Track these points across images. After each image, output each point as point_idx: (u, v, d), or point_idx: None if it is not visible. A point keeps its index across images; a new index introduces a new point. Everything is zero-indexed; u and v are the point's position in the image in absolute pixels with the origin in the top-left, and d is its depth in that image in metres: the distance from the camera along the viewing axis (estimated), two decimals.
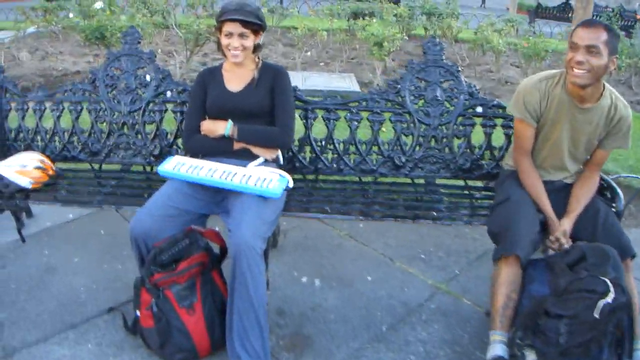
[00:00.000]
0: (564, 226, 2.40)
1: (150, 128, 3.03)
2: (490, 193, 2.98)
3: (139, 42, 3.04)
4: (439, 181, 3.08)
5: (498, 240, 2.40)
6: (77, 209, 3.39)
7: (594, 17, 4.75)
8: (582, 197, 2.50)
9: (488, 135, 3.05)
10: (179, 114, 2.97)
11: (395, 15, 9.22)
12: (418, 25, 9.50)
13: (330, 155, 3.03)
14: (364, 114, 3.00)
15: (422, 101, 3.00)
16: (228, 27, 2.45)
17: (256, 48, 2.58)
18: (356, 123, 2.97)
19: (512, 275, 2.28)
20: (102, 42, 6.90)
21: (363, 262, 3.13)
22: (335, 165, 3.01)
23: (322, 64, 8.12)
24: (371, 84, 7.16)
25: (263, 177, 2.36)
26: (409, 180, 3.06)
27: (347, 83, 6.84)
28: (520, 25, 10.32)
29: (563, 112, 2.44)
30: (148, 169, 3.09)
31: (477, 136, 3.06)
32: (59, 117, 3.14)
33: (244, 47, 2.48)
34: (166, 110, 2.99)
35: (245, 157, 2.52)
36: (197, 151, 2.57)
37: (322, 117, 3.01)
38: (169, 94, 2.97)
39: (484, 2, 21.17)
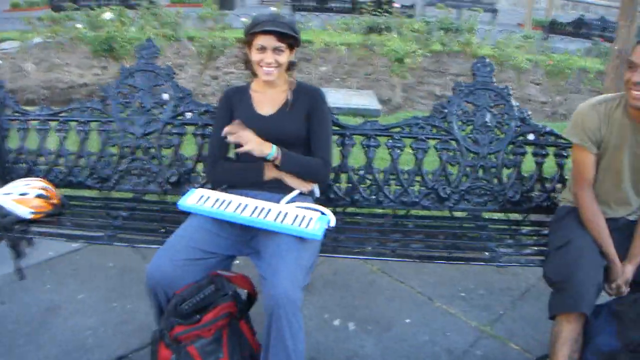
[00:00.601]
0: (627, 274, 2.15)
1: (167, 152, 2.73)
2: (539, 228, 2.70)
3: (156, 57, 2.75)
4: (486, 215, 2.78)
5: (557, 290, 2.13)
6: None
7: None
8: None
9: (539, 165, 2.77)
10: (199, 138, 2.67)
11: (413, 30, 8.96)
12: (435, 40, 9.23)
13: (368, 186, 2.72)
14: (407, 141, 2.70)
15: (471, 127, 2.70)
16: (261, 41, 2.15)
17: (290, 66, 2.29)
18: (398, 151, 2.67)
19: (575, 333, 2.05)
20: (111, 54, 6.63)
21: (400, 302, 2.83)
22: (374, 197, 2.71)
23: (337, 79, 7.85)
24: (390, 101, 6.88)
25: (302, 215, 2.05)
26: (451, 214, 2.76)
27: (366, 100, 6.56)
28: (537, 41, 10.06)
29: (625, 137, 2.19)
30: (164, 198, 2.78)
31: (526, 165, 2.79)
32: (64, 138, 2.84)
33: (278, 64, 2.18)
34: (185, 133, 2.69)
35: (278, 189, 2.23)
36: (223, 181, 2.27)
37: (361, 143, 2.70)
38: (189, 115, 2.67)
39: (495, 17, 20.94)
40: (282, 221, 2.01)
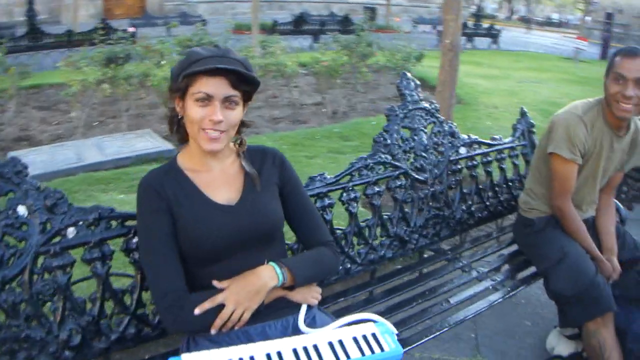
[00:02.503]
0: (617, 267, 2.22)
1: (50, 303, 1.68)
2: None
3: None
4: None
5: (578, 300, 2.09)
6: None
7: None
8: (611, 227, 2.34)
9: (474, 178, 2.60)
10: (99, 264, 1.69)
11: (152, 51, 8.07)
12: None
13: None
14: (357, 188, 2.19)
15: (413, 155, 2.34)
16: (204, 86, 1.40)
17: (242, 125, 1.58)
18: (355, 204, 2.14)
19: (614, 333, 2.08)
20: None
21: None
22: (341, 268, 2.13)
23: (96, 124, 6.63)
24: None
25: (357, 336, 1.42)
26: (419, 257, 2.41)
27: (151, 141, 5.64)
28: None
29: (603, 144, 2.20)
30: None
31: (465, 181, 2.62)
32: None
33: (228, 124, 1.45)
34: (72, 263, 1.68)
35: (280, 312, 1.52)
36: (199, 326, 1.43)
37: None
38: (72, 231, 1.67)
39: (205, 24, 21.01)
40: (347, 356, 1.35)
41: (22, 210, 1.64)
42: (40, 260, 1.62)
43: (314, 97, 8.31)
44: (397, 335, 1.49)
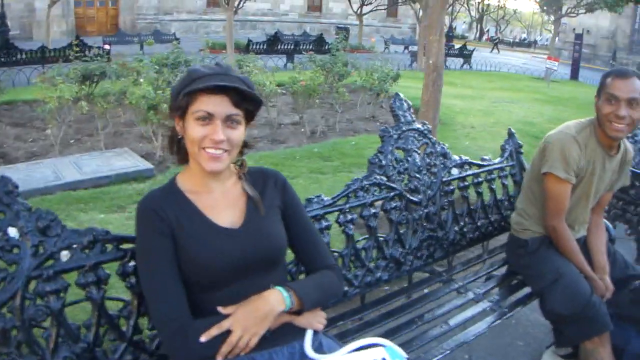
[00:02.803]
0: (610, 286, 2.25)
1: (41, 329, 1.61)
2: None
3: None
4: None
5: (574, 320, 2.11)
6: None
7: None
8: (602, 247, 2.37)
9: (466, 199, 2.62)
10: (100, 290, 1.63)
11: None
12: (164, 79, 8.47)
13: None
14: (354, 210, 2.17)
15: (407, 176, 2.34)
16: (205, 104, 1.37)
17: (244, 146, 1.55)
18: (352, 226, 2.12)
19: (611, 352, 2.11)
20: None
21: None
22: None
23: (72, 141, 6.50)
24: (153, 155, 5.99)
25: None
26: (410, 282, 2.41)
27: (129, 160, 5.54)
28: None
29: (596, 163, 2.23)
30: None
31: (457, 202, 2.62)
32: None
33: (231, 144, 1.42)
34: (66, 288, 1.60)
35: (285, 337, 1.47)
36: (205, 354, 1.36)
37: None
38: (65, 254, 1.61)
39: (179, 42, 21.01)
40: None
41: (13, 232, 1.57)
42: (33, 284, 1.54)
43: (292, 117, 8.32)
44: (407, 359, 1.47)
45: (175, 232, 1.43)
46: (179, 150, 1.53)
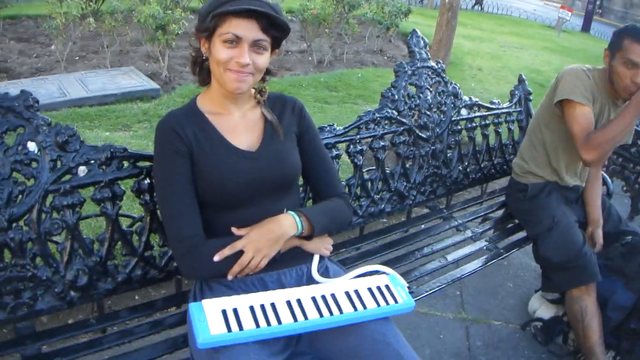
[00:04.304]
0: (600, 240, 2.34)
1: (55, 243, 1.67)
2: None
3: None
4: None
5: (564, 268, 2.19)
6: None
7: None
8: (598, 200, 2.41)
9: (472, 140, 2.64)
10: (109, 205, 1.67)
11: None
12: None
13: None
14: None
15: (417, 112, 2.36)
16: (234, 27, 1.35)
17: (267, 73, 1.55)
18: (361, 157, 2.15)
19: (595, 302, 2.18)
20: None
21: None
22: None
23: (77, 58, 6.41)
24: (159, 75, 5.93)
25: (375, 286, 1.47)
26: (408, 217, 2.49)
27: (136, 79, 5.49)
28: None
29: (604, 108, 2.22)
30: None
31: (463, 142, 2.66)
32: None
33: (255, 68, 1.42)
34: (83, 203, 1.65)
35: (293, 261, 1.53)
36: (216, 272, 1.44)
37: None
38: (83, 170, 1.65)
39: None
40: (363, 304, 1.40)
41: (32, 146, 1.60)
42: (50, 198, 1.58)
43: (299, 45, 8.17)
44: (408, 287, 1.55)
45: (193, 151, 1.45)
46: (201, 71, 1.53)
